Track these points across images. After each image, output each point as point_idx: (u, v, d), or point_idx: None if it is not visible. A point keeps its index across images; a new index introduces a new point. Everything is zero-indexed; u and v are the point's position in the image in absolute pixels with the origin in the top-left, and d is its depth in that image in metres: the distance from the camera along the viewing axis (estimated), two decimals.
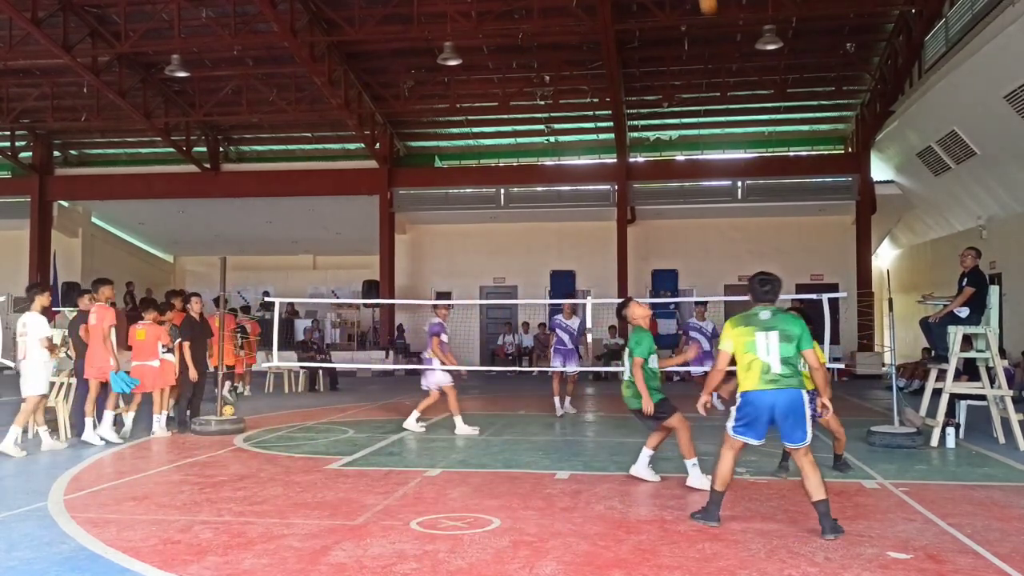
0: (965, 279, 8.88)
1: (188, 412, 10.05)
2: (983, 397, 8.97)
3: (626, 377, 6.60)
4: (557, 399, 11.73)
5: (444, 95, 20.06)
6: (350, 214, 22.62)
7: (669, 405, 6.55)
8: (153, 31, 17.13)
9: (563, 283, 22.23)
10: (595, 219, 21.56)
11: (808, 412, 5.02)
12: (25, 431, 8.63)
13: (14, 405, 9.53)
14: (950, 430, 8.53)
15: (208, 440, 9.11)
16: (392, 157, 22.10)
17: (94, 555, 4.64)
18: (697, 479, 6.36)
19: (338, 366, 16.71)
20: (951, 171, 16.94)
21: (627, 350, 6.61)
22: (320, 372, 15.94)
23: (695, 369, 12.31)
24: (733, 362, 5.22)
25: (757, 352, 5.01)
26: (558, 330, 12.00)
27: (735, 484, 6.62)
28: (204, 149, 22.49)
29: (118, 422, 9.48)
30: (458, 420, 9.59)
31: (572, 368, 11.81)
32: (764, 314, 5.11)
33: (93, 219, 24.48)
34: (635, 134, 21.86)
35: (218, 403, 10.31)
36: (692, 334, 12.29)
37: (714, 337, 12.16)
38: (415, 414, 9.95)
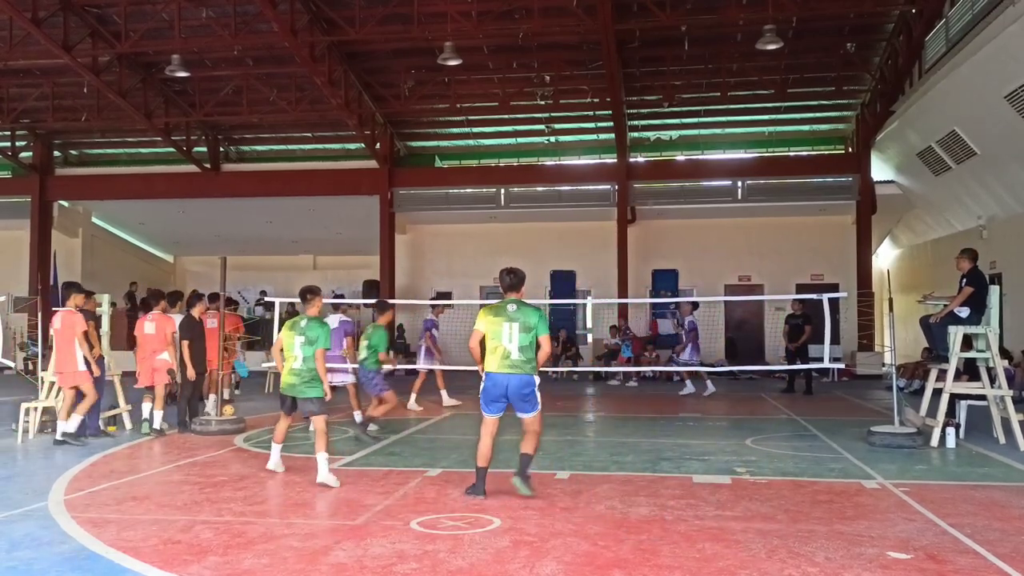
0: (964, 279, 8.89)
1: (188, 412, 10.05)
2: (983, 397, 8.98)
3: (298, 366, 6.87)
4: (444, 391, 12.77)
5: (444, 95, 20.04)
6: (350, 214, 22.60)
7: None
8: (153, 31, 17.12)
9: (563, 283, 22.23)
10: (595, 219, 21.53)
11: (536, 392, 6.07)
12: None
13: (14, 405, 9.54)
14: (950, 430, 8.54)
15: (208, 440, 9.12)
16: (392, 157, 22.09)
17: (94, 555, 4.64)
18: (327, 475, 6.59)
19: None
20: (951, 171, 16.94)
21: (304, 339, 6.87)
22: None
23: None
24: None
25: (502, 339, 5.97)
26: (434, 330, 13.02)
27: (735, 484, 6.63)
28: (204, 149, 22.47)
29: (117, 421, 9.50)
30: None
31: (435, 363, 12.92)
32: (511, 307, 6.10)
33: (93, 219, 24.46)
34: (635, 134, 21.84)
35: (218, 403, 10.33)
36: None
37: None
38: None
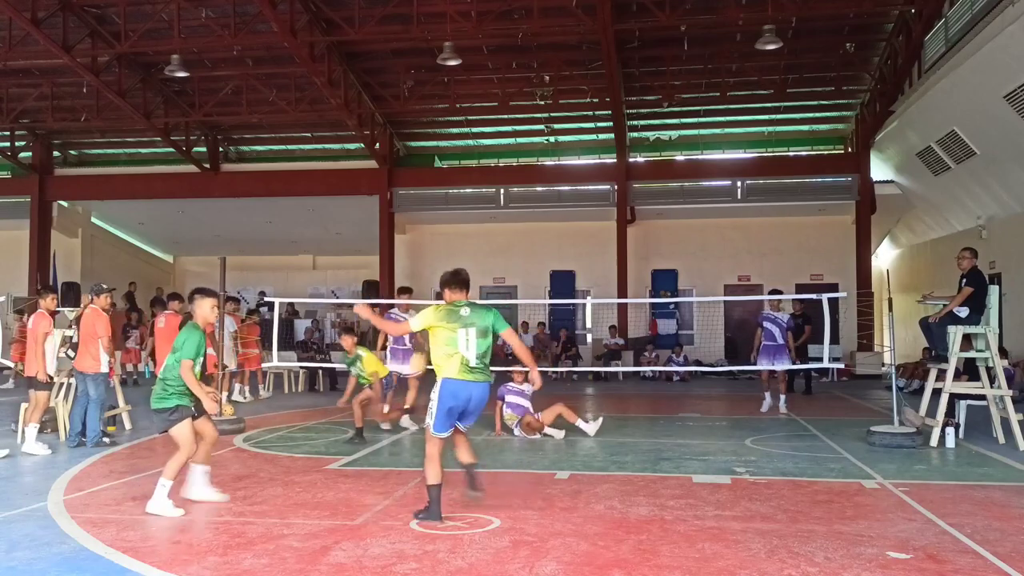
0: (964, 279, 8.89)
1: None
2: (983, 397, 8.98)
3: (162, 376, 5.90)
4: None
5: (444, 95, 20.04)
6: (350, 214, 22.61)
7: (187, 411, 5.85)
8: (153, 31, 17.11)
9: (563, 283, 22.23)
10: (595, 219, 21.54)
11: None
12: None
13: (13, 406, 9.54)
14: (950, 430, 8.54)
15: None
16: (392, 157, 22.09)
17: (94, 555, 4.64)
18: (160, 504, 5.58)
19: (338, 366, 16.69)
20: (951, 171, 16.95)
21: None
22: (320, 372, 15.93)
23: (762, 365, 11.88)
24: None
25: (458, 346, 5.36)
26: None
27: (735, 484, 6.63)
28: (204, 149, 22.47)
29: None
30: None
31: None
32: (464, 311, 5.47)
33: (93, 219, 24.45)
34: (635, 134, 21.85)
35: (219, 404, 10.32)
36: (765, 324, 11.78)
37: (788, 329, 11.81)
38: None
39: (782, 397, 11.88)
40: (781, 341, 11.70)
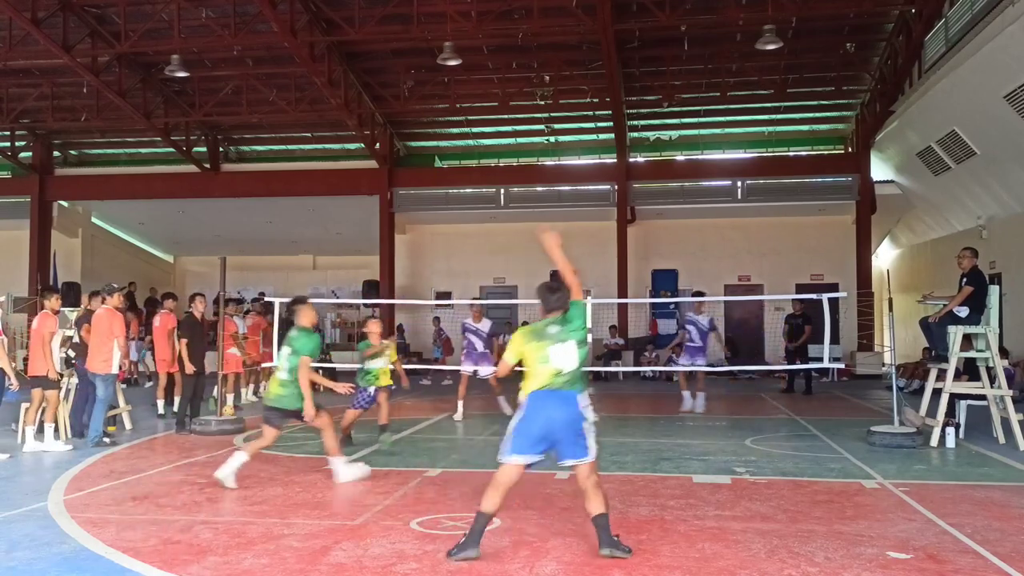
0: (964, 279, 8.89)
1: (188, 412, 10.05)
2: (983, 397, 8.98)
3: (284, 377, 6.80)
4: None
5: (444, 95, 20.04)
6: (350, 214, 22.61)
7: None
8: (153, 31, 17.10)
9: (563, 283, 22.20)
10: (595, 219, 21.53)
11: (586, 417, 4.75)
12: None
13: (14, 406, 9.54)
14: (950, 430, 8.54)
15: (208, 440, 9.12)
16: (392, 157, 22.09)
17: (94, 555, 4.64)
18: (345, 473, 6.70)
19: (338, 366, 16.71)
20: (951, 171, 16.94)
21: (288, 349, 6.87)
22: (319, 372, 15.92)
23: (683, 364, 12.11)
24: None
25: (551, 362, 4.72)
26: (468, 334, 12.34)
27: (735, 484, 6.63)
28: (204, 149, 22.46)
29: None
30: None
31: None
32: (552, 329, 4.81)
33: (93, 219, 24.45)
34: (635, 134, 21.85)
35: (218, 403, 10.33)
36: (688, 326, 12.09)
37: (711, 331, 12.02)
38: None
39: (700, 396, 11.84)
40: (700, 343, 11.87)
